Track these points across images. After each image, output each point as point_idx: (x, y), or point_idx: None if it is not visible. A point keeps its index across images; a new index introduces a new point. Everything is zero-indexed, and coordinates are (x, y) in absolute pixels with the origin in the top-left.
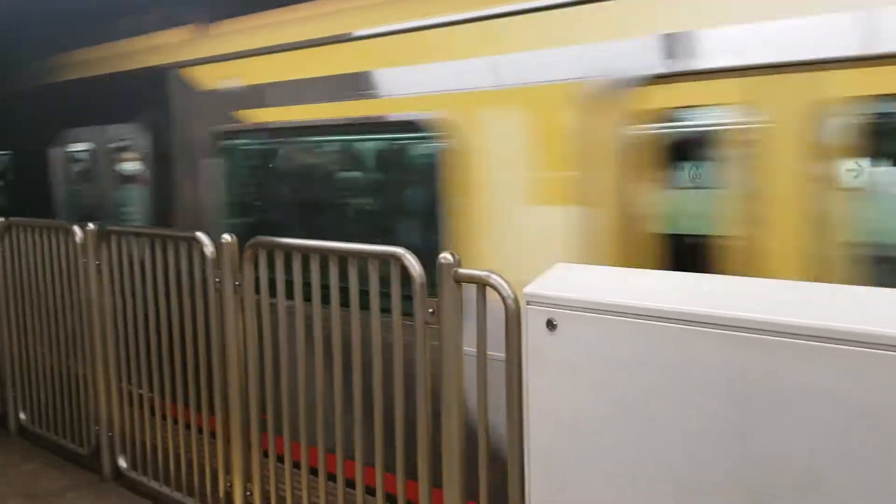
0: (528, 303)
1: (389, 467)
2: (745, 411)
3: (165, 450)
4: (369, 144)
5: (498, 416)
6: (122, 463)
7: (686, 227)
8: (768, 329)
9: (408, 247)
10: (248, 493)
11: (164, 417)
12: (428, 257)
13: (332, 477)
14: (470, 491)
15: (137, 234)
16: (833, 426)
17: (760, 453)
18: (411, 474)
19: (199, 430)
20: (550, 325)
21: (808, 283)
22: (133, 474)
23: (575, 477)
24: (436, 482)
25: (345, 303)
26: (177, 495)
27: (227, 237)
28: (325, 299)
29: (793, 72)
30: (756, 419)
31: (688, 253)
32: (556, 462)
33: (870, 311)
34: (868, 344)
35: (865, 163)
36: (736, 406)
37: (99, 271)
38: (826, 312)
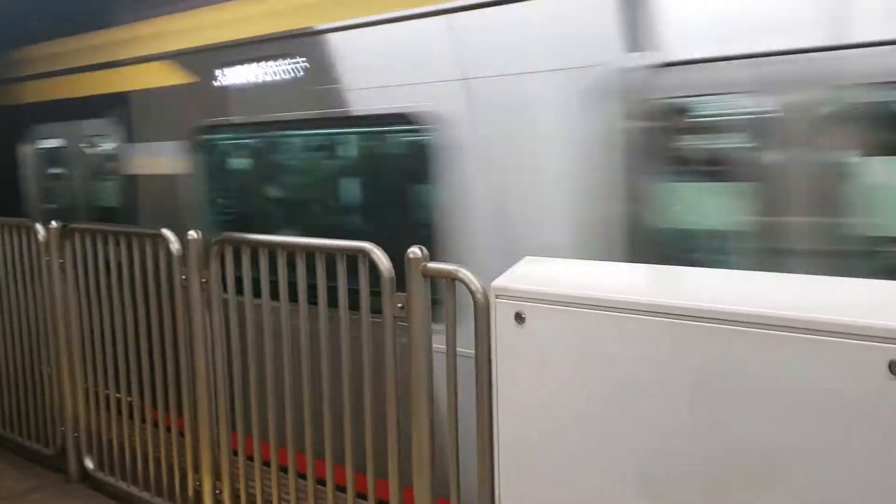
0: (496, 296)
1: (360, 465)
2: (710, 401)
3: (133, 449)
4: None
5: (469, 411)
6: (89, 464)
7: None
8: (731, 319)
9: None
10: (217, 492)
11: (131, 417)
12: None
13: (302, 475)
14: (441, 489)
15: (101, 232)
16: (796, 415)
17: (726, 442)
18: (382, 472)
19: (168, 429)
20: (519, 318)
21: (771, 273)
22: (100, 475)
23: (544, 469)
24: (407, 479)
25: (314, 299)
26: (145, 495)
27: (193, 234)
28: (296, 296)
29: None
30: (721, 409)
31: None
32: (525, 455)
33: (833, 300)
34: (829, 333)
35: None
36: (701, 396)
37: (63, 270)
38: (789, 302)
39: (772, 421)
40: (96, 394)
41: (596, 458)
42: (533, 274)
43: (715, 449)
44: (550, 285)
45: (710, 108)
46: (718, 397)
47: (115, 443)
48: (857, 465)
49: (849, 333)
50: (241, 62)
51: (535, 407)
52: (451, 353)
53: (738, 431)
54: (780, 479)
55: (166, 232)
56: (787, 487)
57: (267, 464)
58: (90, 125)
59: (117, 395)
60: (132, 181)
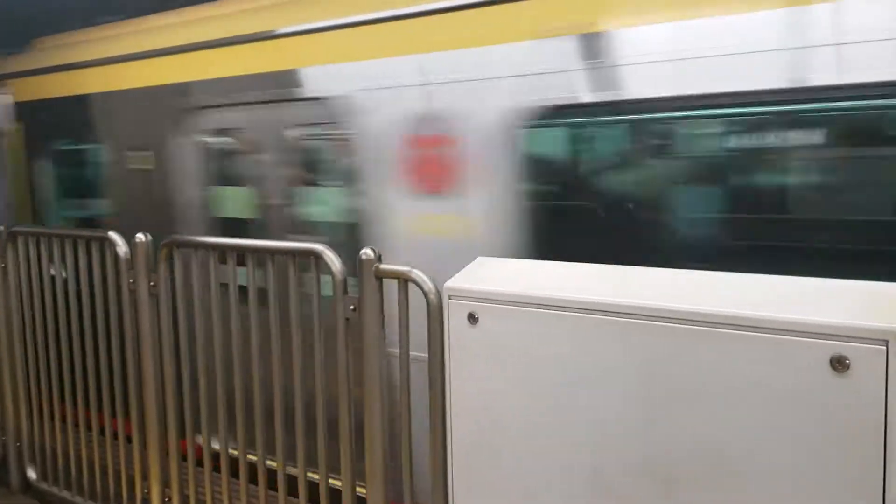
0: (449, 297)
1: (313, 468)
2: (655, 396)
3: (78, 458)
4: None
5: (422, 411)
6: (31, 474)
7: None
8: (678, 318)
9: None
10: (166, 500)
11: (76, 425)
12: None
13: (253, 480)
14: (395, 490)
15: (46, 235)
16: (742, 410)
17: (674, 437)
18: (335, 472)
19: (115, 437)
20: (472, 318)
21: (711, 272)
22: (43, 485)
23: (498, 466)
24: (360, 481)
25: (265, 302)
26: None
27: (140, 236)
28: (247, 300)
29: None
30: (668, 405)
31: None
32: (479, 453)
33: (777, 298)
34: (773, 330)
35: None
36: (646, 391)
37: (5, 274)
38: (735, 300)
39: (718, 416)
40: (39, 402)
41: (548, 455)
42: (486, 274)
43: (663, 444)
44: (503, 285)
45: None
46: (666, 394)
47: (59, 452)
48: (802, 458)
49: (792, 330)
50: None
51: (487, 406)
52: (405, 354)
53: (685, 427)
54: (727, 473)
55: (113, 235)
56: (733, 481)
57: (217, 469)
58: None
59: (62, 401)
60: None
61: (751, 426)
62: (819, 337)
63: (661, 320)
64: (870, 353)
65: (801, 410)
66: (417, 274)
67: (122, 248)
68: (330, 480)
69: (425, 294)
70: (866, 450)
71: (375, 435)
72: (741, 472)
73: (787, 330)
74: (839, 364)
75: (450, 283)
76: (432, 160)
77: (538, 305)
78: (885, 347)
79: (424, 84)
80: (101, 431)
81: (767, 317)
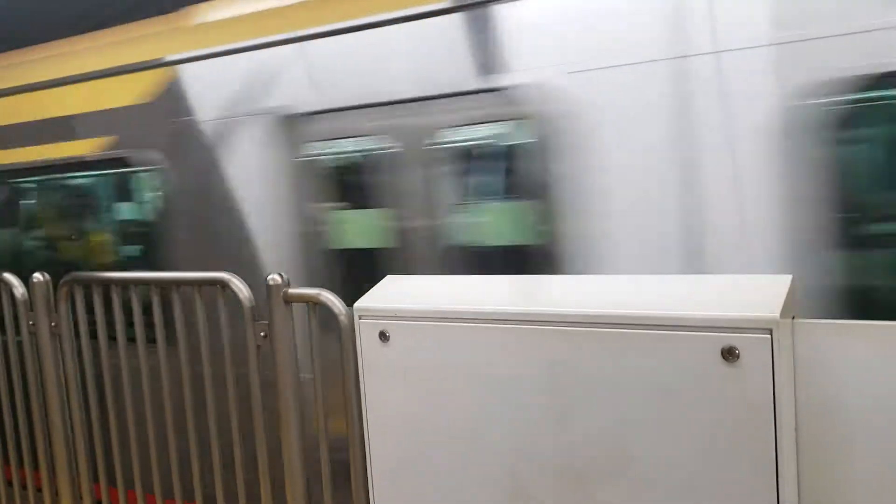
0: (359, 317)
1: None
2: (561, 398)
3: None
4: None
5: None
6: None
7: None
8: (571, 321)
9: None
10: None
11: None
12: None
13: None
14: None
15: None
16: (642, 405)
17: (578, 435)
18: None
19: (24, 487)
20: (383, 336)
21: (604, 276)
22: None
23: (419, 482)
24: None
25: (173, 337)
26: None
27: (38, 276)
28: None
29: None
30: (571, 405)
31: None
32: (399, 470)
33: (669, 295)
34: (666, 326)
35: None
36: (552, 394)
37: None
38: (630, 300)
39: (621, 413)
40: None
41: (466, 464)
42: (394, 292)
43: (572, 443)
44: (411, 302)
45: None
46: (571, 395)
47: None
48: (700, 447)
49: (683, 326)
50: None
51: (404, 422)
52: (317, 376)
53: (591, 426)
54: (633, 467)
55: (8, 276)
56: (638, 474)
57: None
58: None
59: None
60: None
61: (651, 420)
62: (710, 330)
63: (559, 325)
64: (756, 342)
65: (697, 402)
66: (327, 296)
67: (18, 289)
68: None
69: (336, 315)
70: (759, 433)
71: (294, 461)
72: (645, 464)
73: (680, 325)
74: (730, 354)
75: (359, 304)
76: None
77: (444, 319)
78: (769, 336)
79: None
80: (8, 482)
81: (660, 314)
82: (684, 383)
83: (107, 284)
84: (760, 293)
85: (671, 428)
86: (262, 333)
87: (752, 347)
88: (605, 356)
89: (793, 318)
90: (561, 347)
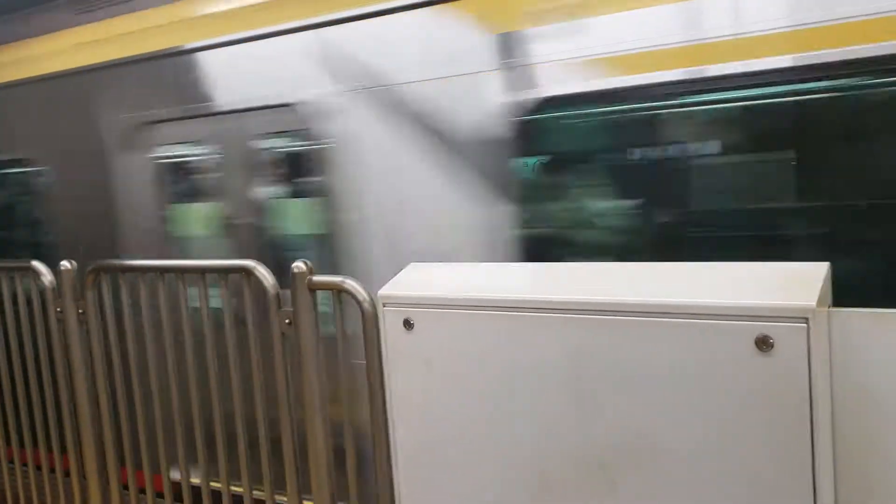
0: (384, 304)
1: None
2: (589, 388)
3: (15, 495)
4: None
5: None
6: None
7: None
8: (601, 309)
9: None
10: None
11: (11, 462)
12: None
13: (198, 502)
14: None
15: None
16: (673, 395)
17: (606, 425)
18: (281, 488)
19: (52, 471)
20: (407, 324)
21: (634, 263)
22: None
23: (442, 468)
24: (305, 492)
25: (199, 322)
26: None
27: (65, 264)
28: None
29: None
30: (602, 395)
31: None
32: (423, 456)
33: (699, 284)
34: (699, 315)
35: None
36: (580, 383)
37: None
38: (660, 289)
39: (651, 403)
40: None
41: (490, 452)
42: (418, 280)
43: (599, 433)
44: (436, 290)
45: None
46: (599, 385)
47: None
48: (733, 437)
49: (717, 314)
50: None
51: (428, 409)
52: (343, 363)
53: (620, 415)
54: (662, 457)
55: (36, 264)
56: (668, 464)
57: (160, 495)
58: None
59: None
60: None
61: (680, 411)
62: (743, 319)
63: (589, 313)
64: (792, 331)
65: (729, 391)
66: (351, 284)
67: (46, 276)
68: (276, 497)
69: (360, 303)
70: (795, 424)
71: (319, 446)
72: (674, 456)
73: (712, 314)
74: (764, 344)
75: (383, 291)
76: None
77: (470, 307)
78: (805, 325)
79: None
80: (37, 466)
81: (693, 303)
82: (716, 373)
83: (132, 271)
84: (796, 281)
85: (701, 419)
86: (286, 321)
87: (787, 337)
88: (633, 345)
89: (829, 306)
90: (588, 336)
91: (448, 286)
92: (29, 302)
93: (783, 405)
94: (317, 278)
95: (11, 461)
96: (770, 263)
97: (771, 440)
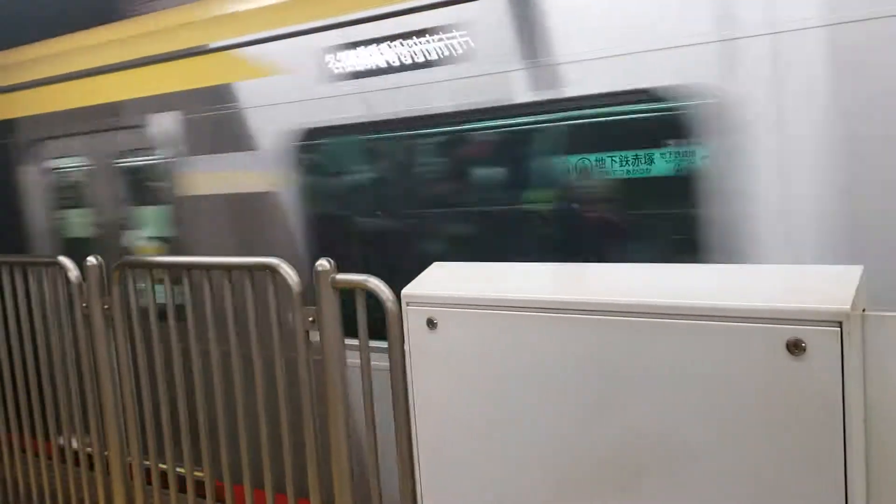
0: (407, 304)
1: (279, 486)
2: (615, 390)
3: (40, 487)
4: None
5: (388, 419)
6: None
7: None
8: (629, 310)
9: None
10: None
11: (36, 455)
12: None
13: (221, 500)
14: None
15: None
16: (701, 399)
17: (632, 428)
18: (302, 491)
19: (76, 462)
20: (431, 323)
21: (660, 264)
22: None
23: (465, 470)
24: (328, 496)
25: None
26: None
27: (91, 259)
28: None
29: None
30: (629, 398)
31: None
32: (445, 458)
33: (729, 286)
34: (729, 318)
35: None
36: (605, 386)
37: None
38: (688, 290)
39: (677, 407)
40: None
41: (513, 454)
42: (442, 279)
43: (625, 436)
44: (459, 290)
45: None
46: (626, 387)
47: (20, 482)
48: (763, 442)
49: (748, 317)
50: None
51: (451, 410)
52: (366, 362)
53: (646, 418)
54: (688, 463)
55: (63, 259)
56: (694, 470)
57: (183, 491)
58: None
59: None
60: None
61: (709, 414)
62: (774, 322)
63: (616, 315)
64: (825, 335)
65: (760, 395)
66: (374, 282)
67: (73, 272)
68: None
69: (383, 302)
70: (826, 431)
71: (341, 446)
72: (703, 460)
73: (743, 317)
74: (795, 348)
75: (407, 290)
76: None
77: (495, 307)
78: (839, 329)
79: None
80: (63, 459)
81: (722, 305)
82: (745, 377)
83: (158, 268)
84: (829, 284)
85: (730, 423)
86: (310, 318)
87: (819, 341)
88: (661, 347)
89: (863, 310)
90: (615, 338)
91: (471, 286)
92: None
93: (814, 410)
94: (340, 276)
95: (37, 454)
96: (803, 266)
97: (801, 446)
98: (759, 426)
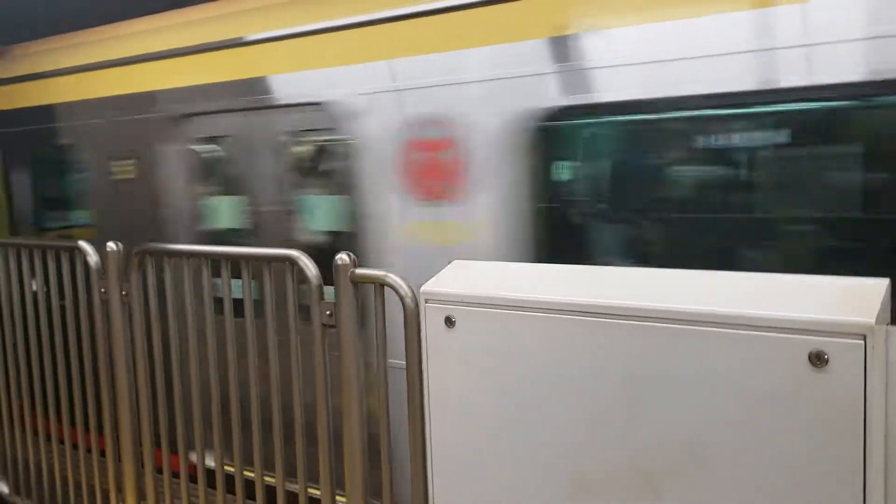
0: (426, 301)
1: (291, 477)
2: (634, 395)
3: (52, 472)
4: None
5: (402, 415)
6: (3, 488)
7: None
8: (651, 316)
9: None
10: None
11: (49, 438)
12: None
13: (231, 491)
14: (373, 493)
15: (14, 246)
16: (720, 407)
17: (650, 435)
18: (314, 482)
19: (88, 450)
20: (449, 321)
21: (684, 270)
22: (16, 499)
23: (478, 470)
24: (339, 489)
25: (240, 310)
26: None
27: (111, 245)
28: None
29: None
30: (647, 404)
31: None
32: (459, 457)
33: (752, 295)
34: (751, 327)
35: None
36: (624, 391)
37: None
38: (710, 298)
39: (697, 414)
40: (11, 415)
41: (528, 456)
42: (461, 277)
43: (643, 443)
44: (479, 288)
45: None
46: (645, 393)
47: (31, 465)
48: (782, 453)
49: (770, 327)
50: None
51: (466, 409)
52: (382, 357)
53: (665, 425)
54: (706, 471)
55: (83, 244)
56: (713, 479)
57: (194, 480)
58: None
59: (33, 416)
60: None
61: (731, 423)
62: (797, 332)
63: (638, 320)
64: (848, 348)
65: (780, 406)
66: (393, 278)
67: (92, 257)
68: (308, 490)
69: (402, 298)
70: (846, 444)
71: (354, 442)
72: (722, 468)
73: (766, 326)
74: (818, 359)
75: (426, 287)
76: None
77: (514, 307)
78: (862, 342)
79: None
80: (75, 445)
81: (745, 313)
82: (766, 387)
83: (178, 256)
84: (854, 296)
85: (750, 433)
86: (327, 312)
87: (842, 353)
88: (682, 354)
89: (887, 324)
90: (635, 342)
91: (492, 285)
92: (74, 281)
93: (836, 423)
94: (359, 271)
95: (50, 436)
96: (827, 277)
97: (820, 458)
98: (778, 437)
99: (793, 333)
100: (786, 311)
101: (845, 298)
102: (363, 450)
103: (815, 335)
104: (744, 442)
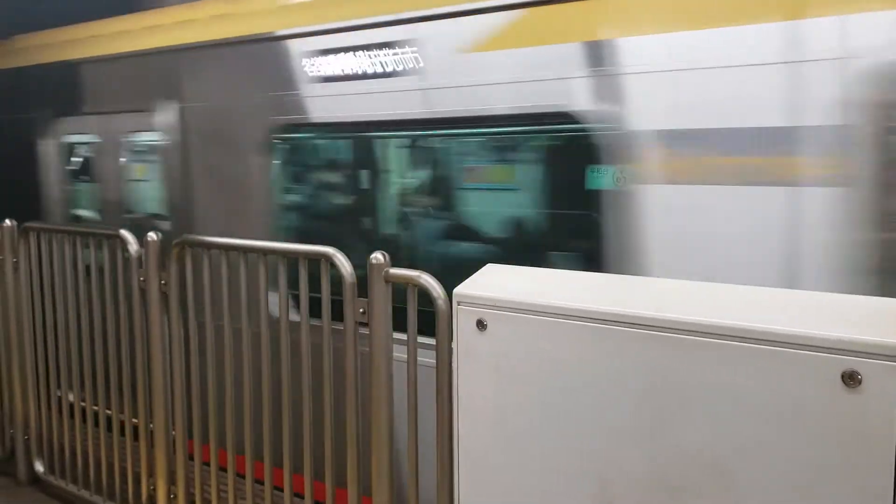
0: (458, 303)
1: (318, 473)
2: (663, 407)
3: (85, 453)
4: None
5: (429, 417)
6: (39, 467)
7: None
8: (684, 328)
9: None
10: (171, 496)
11: (84, 420)
12: None
13: (259, 481)
14: (399, 498)
15: (58, 231)
16: (750, 423)
17: (678, 448)
18: (341, 480)
19: (122, 433)
20: (481, 325)
21: (718, 283)
22: (50, 479)
23: (503, 475)
24: (366, 488)
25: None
26: (97, 499)
27: (152, 235)
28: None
29: None
30: (676, 416)
31: None
32: (485, 461)
33: (786, 311)
34: (785, 344)
35: None
36: (652, 402)
37: (16, 269)
38: (744, 313)
39: (726, 429)
40: (48, 396)
41: (555, 463)
42: (495, 281)
43: (670, 455)
44: (512, 293)
45: None
46: (674, 405)
47: (66, 446)
48: (812, 472)
49: (804, 345)
50: None
51: (494, 413)
52: (413, 358)
53: (693, 439)
54: (734, 487)
55: (124, 233)
56: (742, 494)
57: (223, 469)
58: None
59: (70, 398)
60: None
61: (757, 441)
62: (831, 352)
63: (670, 332)
64: (883, 369)
65: (811, 425)
66: (427, 279)
67: (133, 246)
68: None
69: (434, 299)
70: (877, 466)
71: (382, 440)
72: (750, 485)
73: (799, 344)
74: (851, 379)
75: (459, 290)
76: None
77: (547, 314)
78: None
79: None
80: (109, 428)
81: (779, 330)
82: (798, 405)
83: (216, 248)
84: (887, 316)
85: (779, 451)
86: (360, 310)
87: (877, 374)
88: (713, 368)
89: None
90: (665, 354)
91: (525, 290)
92: (115, 269)
93: (866, 444)
94: (393, 271)
95: (86, 419)
96: (859, 297)
97: (850, 480)
98: (807, 456)
99: (826, 352)
100: (819, 329)
101: (879, 318)
102: (391, 449)
103: (849, 355)
104: (771, 461)
